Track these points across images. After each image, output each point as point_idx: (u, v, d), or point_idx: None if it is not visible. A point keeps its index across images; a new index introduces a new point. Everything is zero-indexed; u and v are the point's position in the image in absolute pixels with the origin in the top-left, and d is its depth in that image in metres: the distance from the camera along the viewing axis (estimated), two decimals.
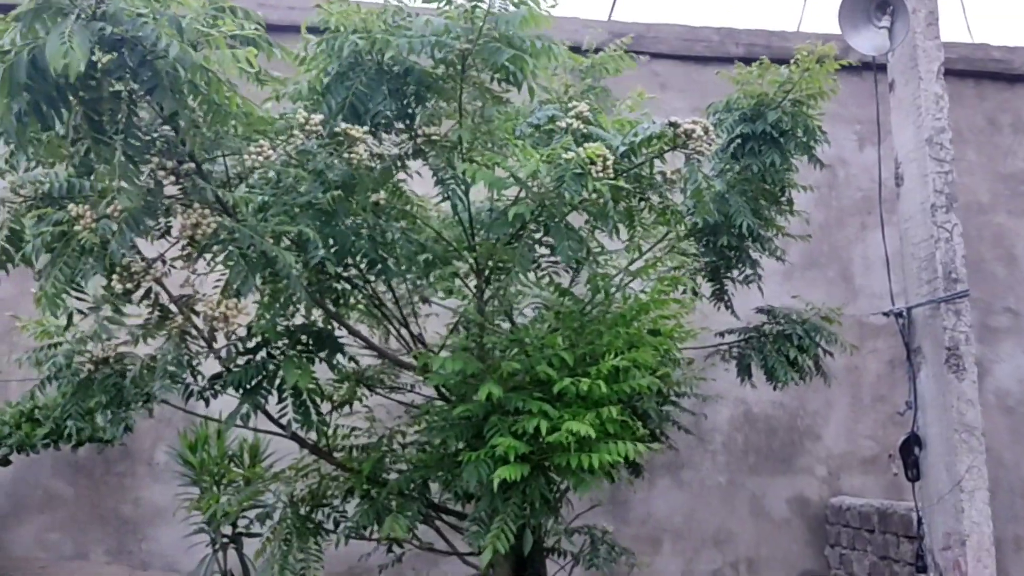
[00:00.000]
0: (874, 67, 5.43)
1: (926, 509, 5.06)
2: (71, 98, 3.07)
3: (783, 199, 5.47)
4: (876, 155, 5.65)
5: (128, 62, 3.04)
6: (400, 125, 4.11)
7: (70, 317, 3.74)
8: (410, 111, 4.06)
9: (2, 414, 6.05)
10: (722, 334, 6.02)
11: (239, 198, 3.52)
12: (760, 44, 7.86)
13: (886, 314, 5.40)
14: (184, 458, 6.24)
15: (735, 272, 5.67)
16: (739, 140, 5.29)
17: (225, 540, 6.04)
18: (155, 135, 3.48)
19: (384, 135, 4.12)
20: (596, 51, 5.26)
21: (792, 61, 5.28)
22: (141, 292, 3.77)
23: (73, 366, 4.15)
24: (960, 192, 5.23)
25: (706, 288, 5.71)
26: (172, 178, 3.43)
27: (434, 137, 4.02)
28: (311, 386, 4.11)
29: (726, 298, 5.79)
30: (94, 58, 2.96)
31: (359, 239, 3.97)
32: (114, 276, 3.53)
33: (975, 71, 8.21)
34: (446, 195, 4.08)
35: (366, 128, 3.81)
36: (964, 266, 5.02)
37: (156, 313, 3.88)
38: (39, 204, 3.51)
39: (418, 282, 4.53)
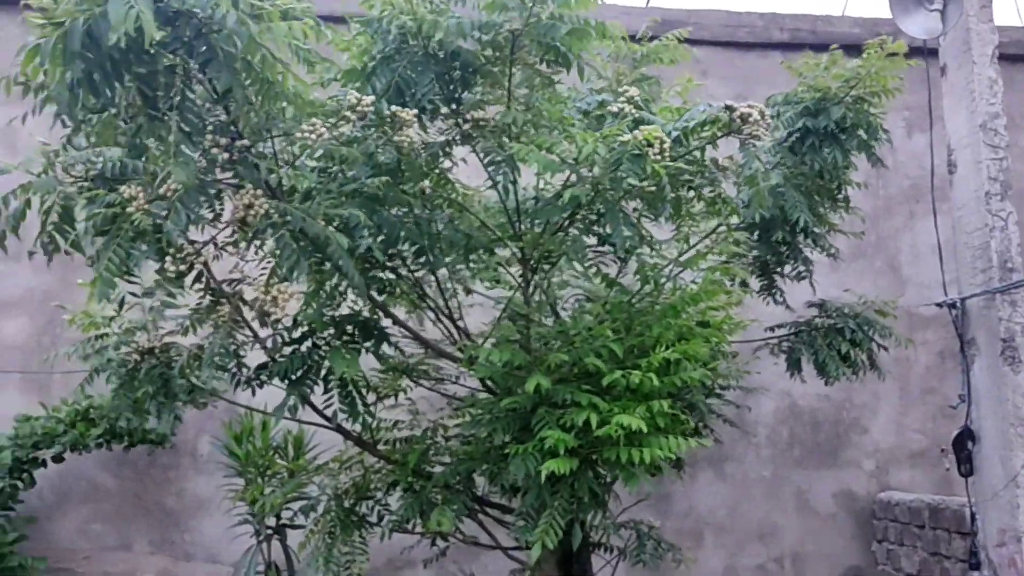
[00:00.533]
0: (925, 51, 5.29)
1: (980, 505, 4.95)
2: (124, 73, 3.01)
3: (839, 196, 5.33)
4: (925, 142, 5.53)
5: (183, 35, 2.98)
6: (445, 110, 4.04)
7: (121, 303, 3.70)
8: (456, 96, 3.98)
9: (57, 411, 6.15)
10: (772, 328, 5.90)
11: (294, 178, 3.45)
12: (804, 29, 7.72)
13: (939, 305, 5.28)
14: (230, 449, 6.28)
15: (786, 267, 5.55)
16: (799, 135, 5.15)
17: (269, 531, 6.06)
18: (208, 114, 3.42)
19: (429, 121, 4.06)
20: (635, 39, 5.16)
21: (859, 55, 5.12)
22: (192, 276, 3.72)
23: (119, 358, 4.14)
24: (1014, 179, 5.07)
25: (755, 282, 5.60)
26: (225, 156, 3.37)
27: (482, 122, 3.94)
28: (357, 377, 4.06)
29: (776, 293, 5.67)
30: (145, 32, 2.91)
31: (405, 226, 3.92)
32: (167, 258, 3.48)
33: None
34: (495, 181, 4.01)
35: (414, 112, 3.73)
36: (1020, 255, 4.90)
37: (207, 298, 3.82)
38: (91, 185, 3.46)
39: (462, 271, 4.47)
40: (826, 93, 5.13)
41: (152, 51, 3.00)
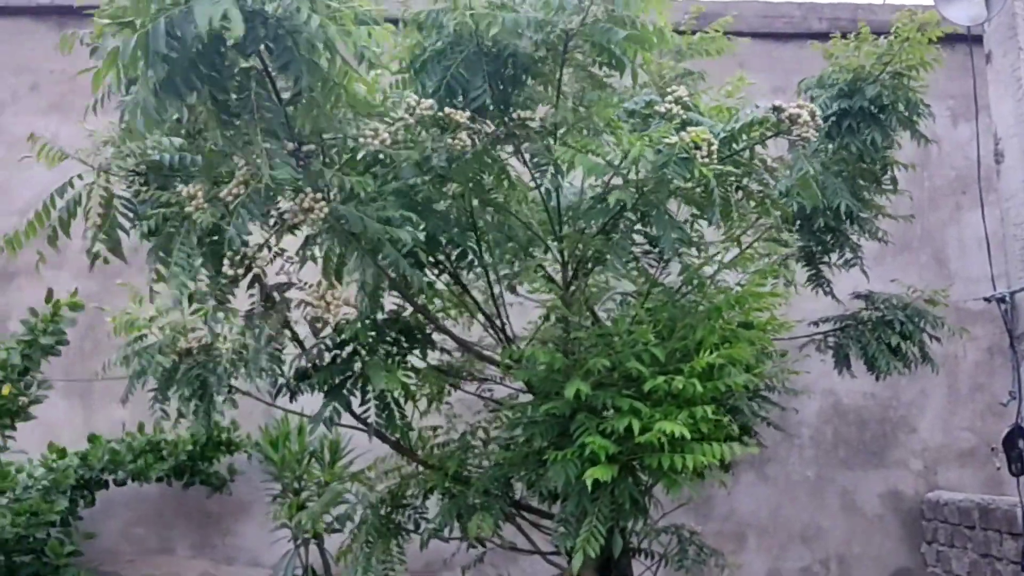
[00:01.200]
0: (969, 38, 5.15)
1: None
2: (201, 75, 2.94)
3: (885, 177, 5.20)
4: (970, 132, 5.40)
5: (259, 36, 2.92)
6: (494, 109, 3.91)
7: (190, 300, 3.63)
8: (508, 94, 3.88)
9: (130, 438, 6.29)
10: (816, 323, 5.76)
11: (356, 182, 3.40)
12: (845, 18, 7.55)
13: (987, 299, 5.16)
14: (266, 454, 6.31)
15: (833, 256, 5.41)
16: (835, 118, 5.03)
17: (307, 536, 6.07)
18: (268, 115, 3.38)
19: (479, 120, 4.00)
20: (677, 32, 5.07)
21: (891, 31, 5.00)
22: (247, 280, 3.67)
23: (159, 359, 4.10)
24: None
25: (801, 274, 5.46)
26: (292, 160, 3.32)
27: (529, 122, 3.86)
28: (395, 389, 4.03)
29: (824, 283, 5.53)
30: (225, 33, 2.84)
31: (449, 226, 3.87)
32: (225, 261, 3.43)
33: None
34: (540, 182, 3.94)
35: (468, 114, 3.65)
36: None
37: (260, 302, 3.77)
38: (146, 178, 3.42)
39: (506, 272, 4.42)
40: (859, 72, 5.01)
41: (223, 52, 2.94)
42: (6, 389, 5.56)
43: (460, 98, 3.70)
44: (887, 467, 7.28)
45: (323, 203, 3.28)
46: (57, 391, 6.57)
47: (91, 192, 3.28)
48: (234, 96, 3.07)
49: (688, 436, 3.42)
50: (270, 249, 3.58)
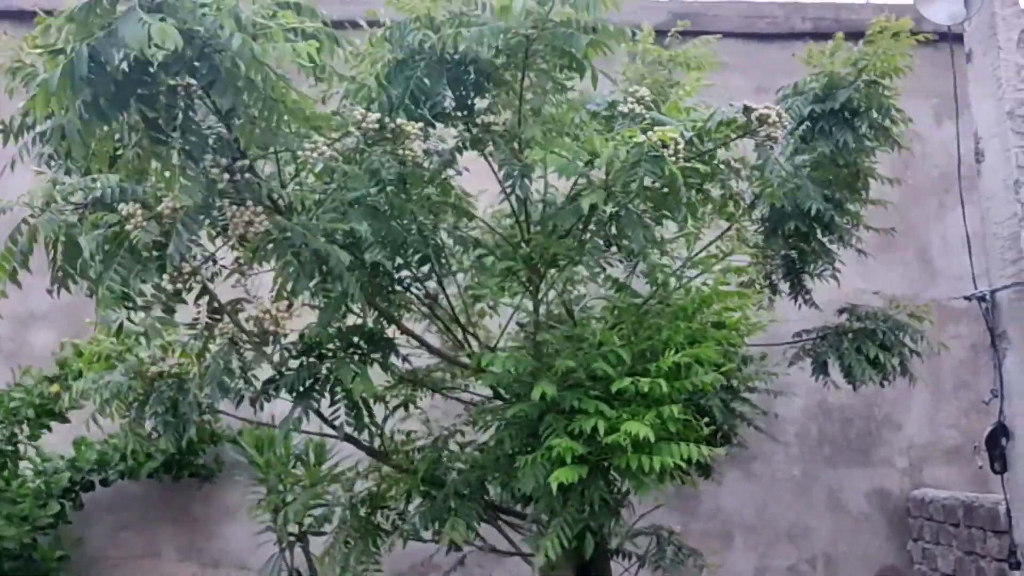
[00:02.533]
0: (950, 37, 5.15)
1: (1015, 502, 4.85)
2: (129, 96, 3.01)
3: (858, 184, 5.19)
4: (953, 130, 5.38)
5: (186, 56, 2.96)
6: (458, 115, 4.01)
7: (119, 330, 3.71)
8: (469, 101, 3.96)
9: (114, 437, 6.29)
10: (799, 334, 5.78)
11: (295, 196, 3.44)
12: (828, 18, 7.57)
13: (968, 298, 5.17)
14: (251, 458, 6.31)
15: (811, 266, 5.41)
16: (808, 123, 5.05)
17: (292, 539, 6.07)
18: (208, 132, 3.41)
19: (441, 126, 4.03)
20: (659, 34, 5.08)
21: (865, 37, 5.02)
22: (195, 293, 3.71)
23: (128, 390, 4.16)
24: None
25: (783, 285, 5.47)
26: (226, 176, 3.36)
27: (494, 127, 3.90)
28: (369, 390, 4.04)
29: (804, 294, 5.54)
30: (150, 53, 2.88)
31: (410, 236, 3.88)
32: (165, 276, 3.47)
33: None
34: (511, 187, 3.95)
35: (420, 125, 3.70)
36: None
37: (206, 317, 3.82)
38: (92, 210, 3.46)
39: (472, 277, 4.43)
40: (833, 79, 5.03)
41: (153, 73, 2.99)
42: (55, 387, 5.68)
43: (424, 105, 3.76)
44: (873, 465, 7.29)
45: (263, 216, 3.30)
46: None
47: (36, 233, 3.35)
48: (161, 115, 3.13)
49: (652, 437, 3.44)
50: (215, 263, 3.63)
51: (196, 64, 3.00)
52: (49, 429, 5.93)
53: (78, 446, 6.30)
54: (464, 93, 3.90)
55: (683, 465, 3.55)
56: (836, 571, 7.16)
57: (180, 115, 3.11)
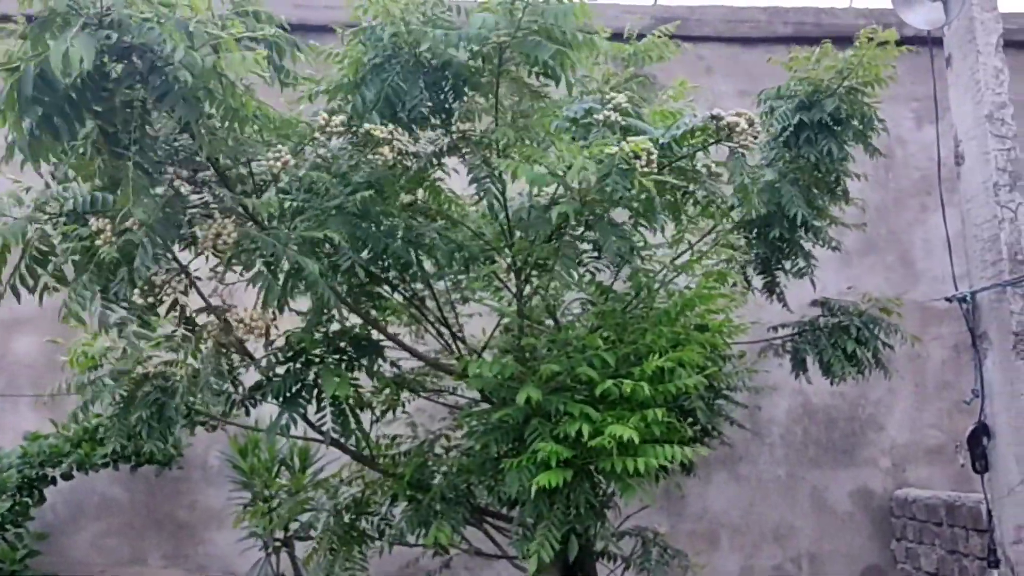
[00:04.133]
0: (929, 41, 5.20)
1: (995, 501, 4.87)
2: (84, 111, 3.02)
3: (838, 189, 5.23)
4: (934, 133, 5.43)
5: (138, 69, 2.98)
6: (436, 120, 4.00)
7: (96, 334, 3.72)
8: (447, 106, 3.95)
9: (65, 429, 6.20)
10: (775, 328, 5.82)
11: (261, 204, 3.45)
12: (809, 22, 7.63)
13: (949, 299, 5.20)
14: (235, 463, 6.29)
15: (787, 264, 5.46)
16: (792, 128, 5.07)
17: (277, 544, 6.06)
18: (175, 144, 3.43)
19: (420, 132, 4.02)
20: (639, 37, 5.10)
21: (852, 46, 5.03)
22: (167, 305, 3.73)
23: (115, 385, 4.14)
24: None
25: (757, 280, 5.51)
26: (191, 187, 3.38)
27: (469, 133, 3.92)
28: (348, 395, 4.04)
29: (778, 290, 5.59)
30: (106, 69, 2.91)
31: (392, 241, 3.90)
32: (135, 291, 3.48)
33: None
34: (481, 193, 3.97)
35: (390, 127, 3.71)
36: None
37: (182, 327, 3.84)
38: (65, 220, 3.47)
39: (457, 281, 4.44)
40: (818, 86, 5.05)
41: (110, 88, 3.01)
42: None
43: (399, 109, 3.75)
44: (856, 465, 7.35)
45: (232, 228, 3.31)
46: (27, 402, 6.55)
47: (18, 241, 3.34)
48: (119, 129, 3.14)
49: (636, 440, 3.45)
50: (188, 275, 3.63)
51: (148, 77, 3.00)
52: None
53: (30, 441, 6.19)
54: (442, 97, 3.89)
55: (668, 466, 3.57)
56: (821, 570, 7.20)
57: (136, 129, 3.11)
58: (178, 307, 3.76)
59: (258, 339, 3.60)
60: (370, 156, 3.64)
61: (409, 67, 3.74)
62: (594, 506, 3.79)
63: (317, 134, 3.58)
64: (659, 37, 4.93)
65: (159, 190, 3.33)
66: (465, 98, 3.96)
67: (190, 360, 3.93)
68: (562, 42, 3.64)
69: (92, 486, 6.70)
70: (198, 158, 3.40)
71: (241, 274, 3.60)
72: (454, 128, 3.88)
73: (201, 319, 3.93)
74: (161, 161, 3.29)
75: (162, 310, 3.72)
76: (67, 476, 6.20)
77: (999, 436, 4.84)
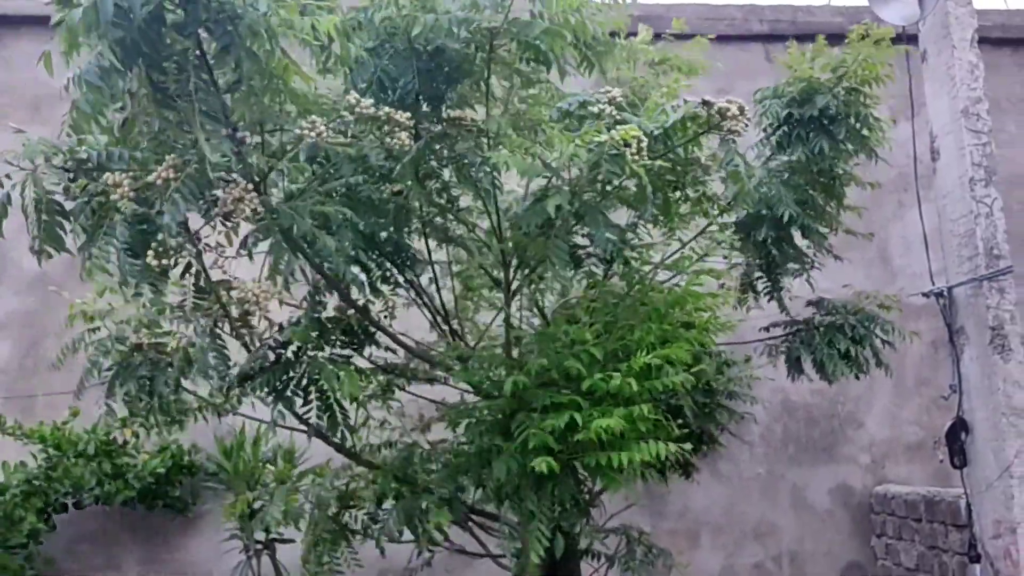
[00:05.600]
0: (904, 37, 5.22)
1: (974, 496, 4.91)
2: (138, 55, 2.89)
3: (836, 191, 5.14)
4: (910, 129, 5.44)
5: (199, 18, 2.87)
6: (427, 108, 3.95)
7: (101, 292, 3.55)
8: (440, 93, 3.90)
9: (92, 461, 6.13)
10: (767, 328, 5.77)
11: (292, 174, 3.34)
12: (785, 20, 7.66)
13: (926, 294, 5.22)
14: (219, 464, 6.23)
15: (783, 266, 5.39)
16: (785, 127, 5.02)
17: (258, 546, 5.99)
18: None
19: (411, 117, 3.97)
20: (656, 37, 5.07)
21: (844, 44, 4.99)
22: (179, 270, 3.59)
23: (117, 347, 3.97)
24: (1000, 165, 5.00)
25: (759, 284, 5.46)
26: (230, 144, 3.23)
27: (461, 121, 3.86)
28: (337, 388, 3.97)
29: (776, 292, 5.52)
30: (164, 14, 2.81)
31: (387, 225, 3.84)
32: (149, 252, 3.33)
33: (1012, 38, 7.92)
34: (476, 184, 3.93)
35: (407, 114, 3.64)
36: (1007, 242, 4.84)
37: (192, 296, 3.68)
38: (73, 176, 3.32)
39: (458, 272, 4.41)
40: (812, 83, 4.98)
41: (167, 33, 2.89)
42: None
43: (390, 93, 3.71)
44: (836, 462, 7.37)
45: (254, 194, 3.22)
46: None
47: (23, 192, 3.19)
48: (172, 78, 3.02)
49: (623, 430, 3.44)
50: (200, 240, 3.50)
51: (211, 28, 2.90)
52: None
53: (54, 467, 6.10)
54: (434, 85, 3.84)
55: (655, 463, 3.55)
56: (802, 568, 7.22)
57: (192, 79, 2.98)
58: (192, 272, 3.61)
59: (262, 314, 3.47)
60: (387, 140, 3.55)
61: (402, 52, 3.70)
62: (579, 503, 3.76)
63: (344, 113, 3.48)
64: (698, 44, 4.89)
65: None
66: (458, 86, 3.91)
67: (189, 332, 3.79)
68: (550, 25, 3.62)
69: None
70: (230, 120, 3.25)
71: (241, 249, 3.50)
72: (445, 115, 3.82)
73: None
74: (215, 114, 3.14)
75: (173, 275, 3.58)
76: (79, 506, 6.23)
77: (977, 431, 4.87)
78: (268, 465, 6.22)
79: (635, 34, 5.22)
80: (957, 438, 4.96)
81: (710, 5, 7.74)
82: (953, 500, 5.95)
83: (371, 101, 3.54)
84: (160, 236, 3.24)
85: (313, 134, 3.34)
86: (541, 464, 3.45)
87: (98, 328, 4.11)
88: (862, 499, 7.32)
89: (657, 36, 5.14)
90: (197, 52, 3.01)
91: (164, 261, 3.36)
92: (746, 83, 6.45)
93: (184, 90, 3.01)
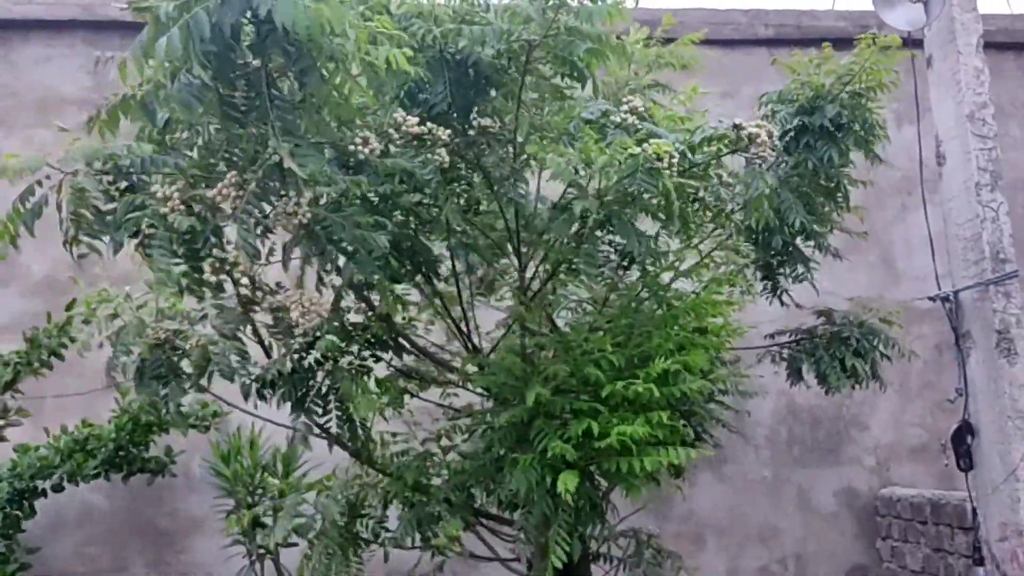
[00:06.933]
0: (910, 42, 5.24)
1: (980, 499, 4.92)
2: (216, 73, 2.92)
3: (839, 195, 5.15)
4: (914, 134, 5.47)
5: (277, 39, 2.89)
6: (456, 117, 3.92)
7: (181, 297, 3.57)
8: (469, 103, 3.88)
9: (56, 441, 6.12)
10: (772, 335, 5.78)
11: (352, 183, 3.35)
12: (790, 24, 7.67)
13: (932, 298, 5.24)
14: (217, 470, 6.23)
15: (787, 269, 5.40)
16: (793, 133, 4.99)
17: (261, 551, 6.00)
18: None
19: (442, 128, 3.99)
20: (667, 41, 5.06)
21: (851, 51, 4.99)
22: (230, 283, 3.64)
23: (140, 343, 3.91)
24: (1005, 169, 5.04)
25: (758, 285, 5.46)
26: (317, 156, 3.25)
27: (489, 129, 3.87)
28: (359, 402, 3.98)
29: (780, 295, 5.53)
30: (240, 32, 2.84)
31: (415, 234, 3.86)
32: (205, 266, 3.35)
33: (1016, 43, 7.95)
34: (502, 190, 3.93)
35: (447, 131, 3.68)
36: (1012, 246, 4.86)
37: (239, 304, 3.72)
38: (113, 180, 3.33)
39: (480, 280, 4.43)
40: (819, 91, 4.97)
41: (240, 51, 2.94)
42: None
43: (421, 104, 3.72)
44: (841, 465, 7.39)
45: (306, 208, 3.23)
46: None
47: (60, 192, 3.21)
48: (240, 95, 3.06)
49: (647, 438, 3.45)
50: (260, 256, 3.47)
51: (286, 47, 2.92)
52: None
53: (20, 454, 6.09)
54: (463, 94, 3.82)
55: (664, 469, 3.57)
56: (806, 570, 7.23)
57: (266, 96, 3.01)
58: (249, 283, 3.64)
59: (309, 324, 3.49)
60: (429, 156, 3.58)
61: (434, 62, 3.68)
62: (596, 506, 3.77)
63: (390, 130, 3.51)
64: (686, 44, 4.90)
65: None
66: (487, 96, 3.90)
67: (208, 330, 3.79)
68: (596, 41, 3.62)
69: (73, 494, 6.57)
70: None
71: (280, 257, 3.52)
72: (475, 123, 3.83)
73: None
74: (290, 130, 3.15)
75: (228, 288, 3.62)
76: (58, 488, 6.11)
77: (983, 434, 4.88)
78: (268, 474, 6.20)
79: (648, 38, 5.22)
80: (963, 441, 4.98)
81: (715, 10, 7.76)
82: (959, 503, 5.97)
83: (416, 120, 3.56)
84: (214, 251, 3.26)
85: (366, 150, 3.37)
86: (565, 482, 3.45)
87: (117, 315, 4.07)
88: (867, 501, 7.33)
89: (668, 40, 5.15)
90: (266, 70, 3.04)
91: (220, 276, 3.42)
92: (750, 86, 6.49)
93: (252, 105, 3.04)
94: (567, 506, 3.70)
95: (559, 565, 3.60)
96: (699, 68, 5.00)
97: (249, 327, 3.83)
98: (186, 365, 3.87)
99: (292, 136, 3.09)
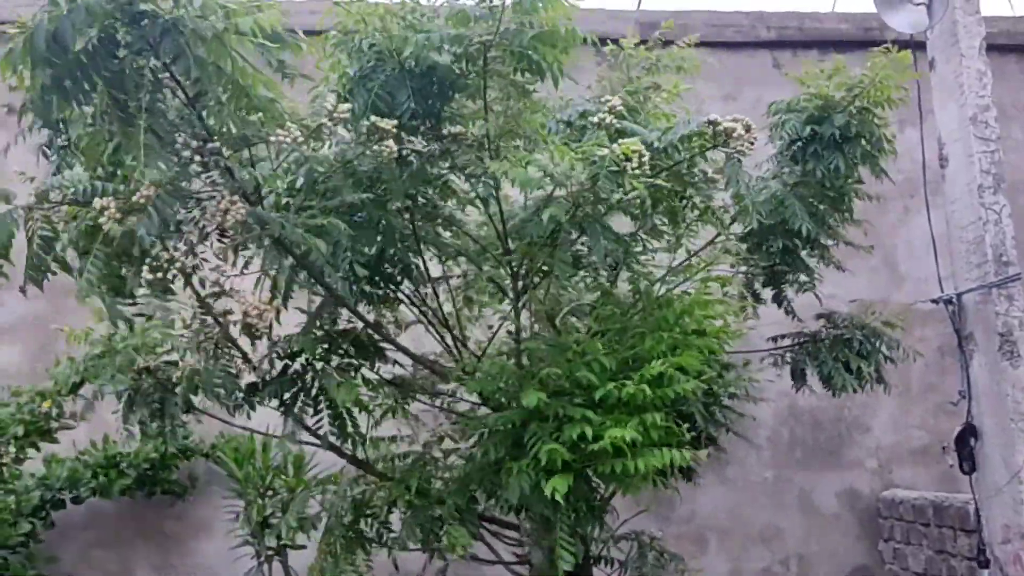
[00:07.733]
0: (912, 45, 5.25)
1: (983, 502, 4.92)
2: (95, 77, 2.96)
3: (844, 207, 5.13)
4: (917, 136, 5.47)
5: (150, 36, 2.93)
6: (425, 126, 3.96)
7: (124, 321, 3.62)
8: (435, 110, 3.92)
9: (87, 454, 6.24)
10: (775, 339, 5.79)
11: (268, 178, 3.39)
12: (792, 27, 7.68)
13: (935, 301, 5.25)
14: (230, 471, 6.26)
15: (790, 277, 5.39)
16: (802, 142, 4.98)
17: (270, 552, 6.02)
18: (179, 120, 3.36)
19: (411, 137, 4.00)
20: (666, 44, 5.08)
21: (867, 65, 4.97)
22: (180, 284, 3.64)
23: (120, 378, 4.04)
24: (1007, 171, 5.04)
25: (764, 292, 5.46)
26: (198, 159, 3.29)
27: (461, 136, 3.89)
28: (354, 399, 4.01)
29: (785, 302, 5.53)
30: (116, 34, 2.86)
31: (393, 243, 3.87)
32: (144, 267, 3.39)
33: (1019, 45, 7.95)
34: (476, 196, 3.95)
35: (393, 122, 3.67)
36: (1015, 248, 4.87)
37: (198, 315, 3.74)
38: (69, 208, 3.39)
39: (463, 284, 4.43)
40: (829, 101, 4.94)
41: (119, 56, 2.95)
42: (47, 403, 5.48)
43: (387, 116, 3.72)
44: (843, 467, 7.39)
45: (239, 205, 3.25)
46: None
47: (27, 223, 3.29)
48: (130, 97, 3.08)
49: (639, 439, 3.46)
50: (196, 255, 3.53)
51: (161, 43, 2.94)
52: (37, 449, 5.83)
53: (49, 464, 6.21)
54: (430, 102, 3.85)
55: (666, 470, 3.57)
56: (808, 572, 7.24)
57: (146, 95, 3.04)
58: (193, 282, 3.64)
59: (262, 332, 3.53)
60: (375, 147, 3.58)
61: (395, 75, 3.72)
62: (595, 509, 3.78)
63: (324, 119, 3.50)
64: (686, 46, 4.90)
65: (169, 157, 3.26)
66: (453, 102, 3.92)
67: (191, 357, 3.85)
68: (543, 33, 3.63)
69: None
70: (202, 133, 3.32)
71: (244, 267, 3.55)
72: (445, 132, 3.85)
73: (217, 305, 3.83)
74: (172, 131, 3.21)
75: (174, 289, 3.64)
76: (78, 500, 6.25)
77: (986, 437, 4.89)
78: (280, 475, 6.24)
79: (645, 41, 5.23)
80: (966, 443, 4.98)
81: (717, 12, 7.77)
82: (961, 505, 5.97)
83: (348, 106, 3.57)
84: (144, 245, 3.29)
85: (288, 139, 3.36)
86: (556, 484, 3.47)
87: (104, 353, 4.15)
88: (869, 503, 7.33)
89: (667, 43, 5.15)
90: (150, 69, 3.06)
91: (158, 275, 3.42)
92: (753, 88, 6.50)
93: (146, 107, 3.07)
94: (564, 509, 3.71)
95: (568, 567, 3.61)
96: (700, 71, 5.00)
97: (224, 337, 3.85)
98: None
99: (159, 140, 3.13)
